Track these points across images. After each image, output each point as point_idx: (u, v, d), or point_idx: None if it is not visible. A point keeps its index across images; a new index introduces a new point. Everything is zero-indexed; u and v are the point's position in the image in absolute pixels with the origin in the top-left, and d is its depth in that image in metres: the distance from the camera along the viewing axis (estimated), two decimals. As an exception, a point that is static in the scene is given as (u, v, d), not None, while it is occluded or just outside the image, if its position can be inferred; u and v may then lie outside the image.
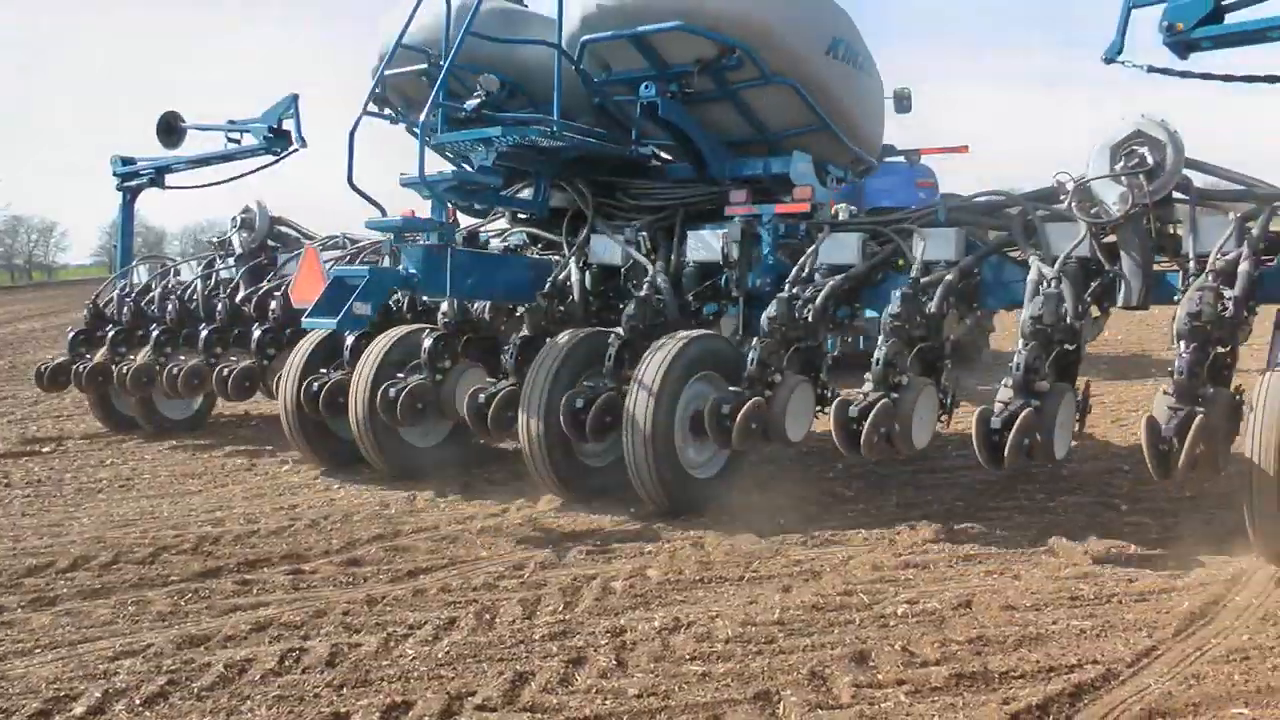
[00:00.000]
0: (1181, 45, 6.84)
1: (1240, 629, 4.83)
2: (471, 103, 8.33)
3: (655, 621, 5.11)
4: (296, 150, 11.94)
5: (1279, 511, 5.62)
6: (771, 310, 7.31)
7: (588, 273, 8.57)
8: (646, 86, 8.16)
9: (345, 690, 4.42)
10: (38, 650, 4.95)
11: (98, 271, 60.20)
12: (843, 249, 7.80)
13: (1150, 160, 6.66)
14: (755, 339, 7.32)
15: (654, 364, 7.18)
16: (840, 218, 8.69)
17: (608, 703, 4.25)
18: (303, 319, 7.68)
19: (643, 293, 7.93)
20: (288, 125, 12.02)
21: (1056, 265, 6.78)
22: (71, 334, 11.39)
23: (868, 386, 6.83)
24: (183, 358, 10.45)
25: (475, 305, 8.68)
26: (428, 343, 8.39)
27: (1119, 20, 6.98)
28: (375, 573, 6.07)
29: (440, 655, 4.76)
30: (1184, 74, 7.02)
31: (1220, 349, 6.17)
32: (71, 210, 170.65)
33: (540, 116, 8.25)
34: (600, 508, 7.45)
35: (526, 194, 9.00)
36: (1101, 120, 7.08)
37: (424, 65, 8.76)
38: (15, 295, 52.36)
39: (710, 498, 7.42)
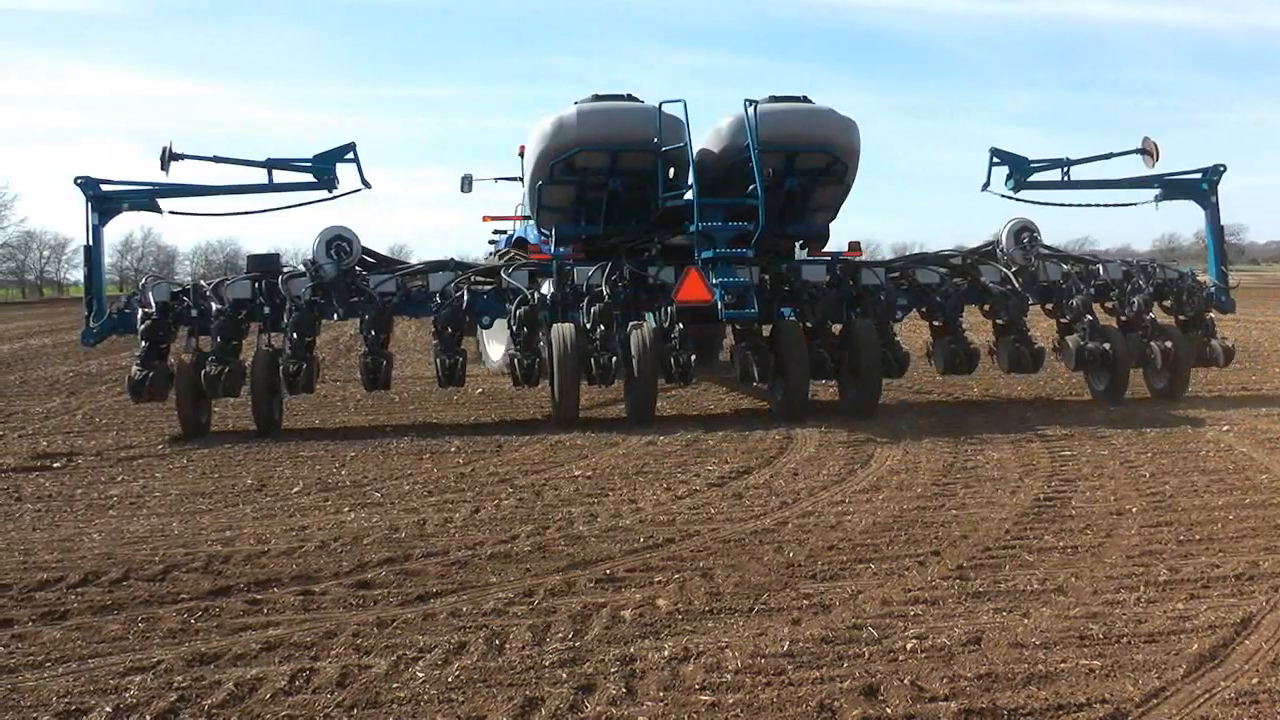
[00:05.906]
0: (1018, 187, 15.07)
1: (1250, 672, 4.83)
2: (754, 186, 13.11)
3: (665, 651, 5.12)
4: (359, 190, 13.71)
5: None
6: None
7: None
8: (790, 179, 13.84)
9: (356, 711, 4.45)
10: (49, 664, 5.00)
11: (107, 290, 60.00)
12: (875, 277, 13.67)
13: (1038, 239, 14.22)
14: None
15: (864, 335, 12.75)
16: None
17: (617, 730, 4.27)
18: (721, 312, 12.60)
19: (831, 294, 13.27)
20: (341, 169, 13.55)
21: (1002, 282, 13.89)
22: (143, 348, 12.38)
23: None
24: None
25: None
26: (681, 325, 12.40)
27: (987, 170, 15.05)
28: (385, 595, 6.10)
29: (450, 679, 4.78)
30: (1018, 200, 15.17)
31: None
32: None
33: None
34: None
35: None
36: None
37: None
38: (27, 311, 52.76)
39: None
